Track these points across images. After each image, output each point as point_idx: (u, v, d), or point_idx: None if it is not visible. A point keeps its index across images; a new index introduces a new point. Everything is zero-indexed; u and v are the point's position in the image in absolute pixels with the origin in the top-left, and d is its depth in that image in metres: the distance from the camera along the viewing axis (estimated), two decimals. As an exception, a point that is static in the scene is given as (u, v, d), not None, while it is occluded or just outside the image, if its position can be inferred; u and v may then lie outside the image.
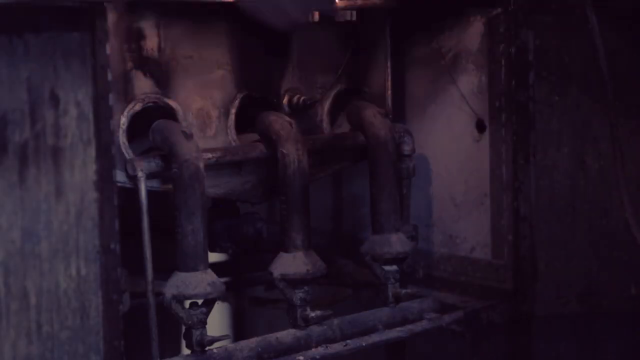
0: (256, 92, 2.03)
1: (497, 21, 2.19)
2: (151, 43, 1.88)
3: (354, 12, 2.13)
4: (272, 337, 1.87)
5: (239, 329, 3.03)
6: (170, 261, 1.81)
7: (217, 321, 2.98)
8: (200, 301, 1.79)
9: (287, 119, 1.97)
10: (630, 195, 2.14)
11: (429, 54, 2.34)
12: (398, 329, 2.02)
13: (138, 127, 1.85)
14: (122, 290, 1.55)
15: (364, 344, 1.93)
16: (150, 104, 1.88)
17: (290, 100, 2.07)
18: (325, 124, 2.16)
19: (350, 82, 2.18)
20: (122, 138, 1.82)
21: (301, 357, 1.85)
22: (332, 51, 2.16)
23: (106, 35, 1.57)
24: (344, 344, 1.92)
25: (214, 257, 2.17)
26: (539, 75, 2.16)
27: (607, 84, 2.13)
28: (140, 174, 1.76)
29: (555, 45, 2.17)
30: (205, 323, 1.78)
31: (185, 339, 1.78)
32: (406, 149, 2.15)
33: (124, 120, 1.83)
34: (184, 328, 1.79)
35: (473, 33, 2.25)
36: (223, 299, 2.34)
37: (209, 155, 1.88)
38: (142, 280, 1.73)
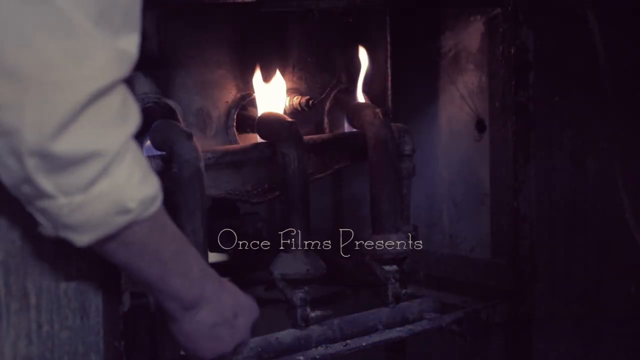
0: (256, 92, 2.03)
1: (497, 21, 2.19)
2: (151, 44, 1.88)
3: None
4: (272, 337, 1.86)
5: (239, 329, 3.02)
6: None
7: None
8: (200, 301, 1.78)
9: (288, 119, 1.97)
10: (630, 195, 2.14)
11: (429, 54, 2.34)
12: (398, 329, 2.02)
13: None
14: (122, 290, 1.55)
15: (364, 344, 1.93)
16: (150, 104, 1.88)
17: (291, 101, 2.07)
18: (325, 124, 2.16)
19: (350, 81, 2.18)
20: (122, 138, 1.81)
21: (301, 357, 1.85)
22: (332, 51, 2.17)
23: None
24: (344, 344, 1.91)
25: (214, 257, 2.17)
26: (539, 75, 2.16)
27: (607, 84, 2.14)
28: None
29: (555, 45, 2.18)
30: (206, 323, 1.77)
31: (185, 339, 1.77)
32: (406, 149, 2.15)
33: (124, 121, 1.82)
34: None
35: (473, 33, 2.25)
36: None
37: (209, 155, 1.88)
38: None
